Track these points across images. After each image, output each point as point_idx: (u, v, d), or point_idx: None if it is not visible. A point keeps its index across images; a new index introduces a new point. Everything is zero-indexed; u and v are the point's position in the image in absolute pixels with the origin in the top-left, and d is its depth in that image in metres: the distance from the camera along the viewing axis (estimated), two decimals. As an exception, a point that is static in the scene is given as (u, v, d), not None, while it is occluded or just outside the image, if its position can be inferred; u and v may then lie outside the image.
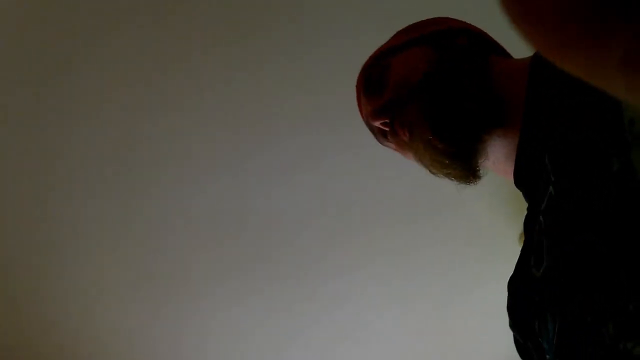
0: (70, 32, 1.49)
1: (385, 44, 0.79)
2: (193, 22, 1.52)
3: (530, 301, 0.57)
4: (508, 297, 0.64)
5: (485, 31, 0.77)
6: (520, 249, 0.62)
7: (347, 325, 2.26)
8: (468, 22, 0.78)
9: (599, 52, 0.18)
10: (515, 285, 0.62)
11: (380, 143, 0.79)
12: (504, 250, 2.00)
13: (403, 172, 1.63)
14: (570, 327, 0.48)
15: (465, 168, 0.66)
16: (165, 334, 2.17)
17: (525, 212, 0.63)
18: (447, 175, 0.69)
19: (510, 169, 0.65)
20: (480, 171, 0.68)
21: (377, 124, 0.73)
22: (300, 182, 1.85)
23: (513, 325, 0.62)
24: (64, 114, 1.63)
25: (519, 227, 2.00)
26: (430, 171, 0.70)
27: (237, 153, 1.77)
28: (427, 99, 0.67)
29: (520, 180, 0.64)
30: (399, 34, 0.79)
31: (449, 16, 0.80)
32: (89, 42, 1.51)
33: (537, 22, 0.20)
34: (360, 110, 0.80)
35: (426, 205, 1.91)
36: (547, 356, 0.54)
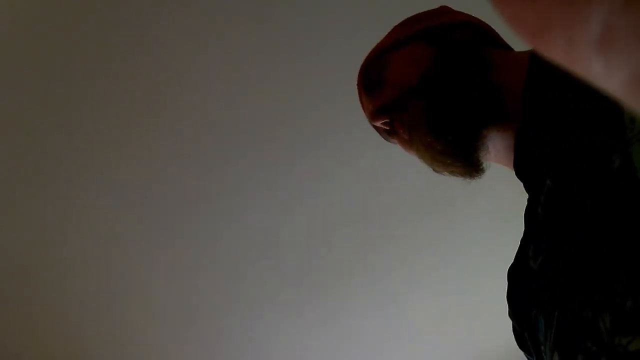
0: (69, 31, 1.49)
1: (383, 39, 0.79)
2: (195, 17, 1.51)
3: (527, 292, 0.58)
4: (508, 285, 0.64)
5: (484, 22, 0.76)
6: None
7: (387, 327, 2.27)
8: (467, 13, 0.77)
9: (577, 31, 0.17)
10: (514, 275, 0.63)
11: (386, 140, 0.80)
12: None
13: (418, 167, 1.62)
14: (568, 322, 0.48)
15: (466, 165, 0.67)
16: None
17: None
18: (451, 172, 0.69)
19: (511, 161, 0.65)
20: (484, 165, 0.68)
21: (378, 123, 0.74)
22: (323, 190, 1.86)
23: (512, 313, 0.63)
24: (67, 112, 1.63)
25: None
26: (433, 169, 0.71)
27: (265, 167, 1.78)
28: (425, 100, 0.67)
29: (520, 171, 0.64)
30: (397, 27, 0.78)
31: (449, 6, 0.79)
32: (90, 39, 1.51)
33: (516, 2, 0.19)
34: (363, 109, 0.80)
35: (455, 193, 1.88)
36: (542, 347, 0.54)
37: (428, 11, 0.78)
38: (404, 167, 1.77)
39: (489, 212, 1.97)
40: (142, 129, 1.66)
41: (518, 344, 0.63)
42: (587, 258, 0.47)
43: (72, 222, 1.82)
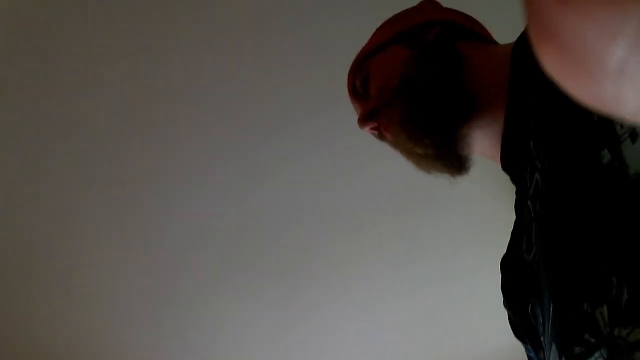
0: (68, 28, 1.49)
1: (368, 41, 0.80)
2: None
3: (522, 283, 0.59)
4: (502, 276, 0.65)
5: (464, 15, 0.76)
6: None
7: (351, 316, 2.28)
8: (447, 8, 0.78)
9: (602, 53, 0.17)
10: (508, 266, 0.64)
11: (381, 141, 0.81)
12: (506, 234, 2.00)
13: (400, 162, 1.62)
14: (564, 315, 0.49)
15: (448, 165, 0.68)
16: (165, 335, 2.19)
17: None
18: (437, 172, 0.70)
19: (497, 155, 0.66)
20: (468, 162, 0.69)
21: (366, 129, 0.75)
22: (296, 175, 1.85)
23: (507, 304, 0.64)
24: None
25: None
26: (419, 169, 0.72)
27: (231, 149, 1.76)
28: (400, 104, 0.68)
29: (507, 164, 0.64)
30: (378, 30, 0.79)
31: (431, 1, 0.80)
32: (87, 35, 1.51)
33: None
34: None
35: (430, 192, 1.90)
36: (542, 337, 0.55)
37: (406, 10, 0.79)
38: (379, 158, 1.78)
39: (464, 211, 1.99)
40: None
41: (514, 334, 0.64)
42: (580, 250, 0.47)
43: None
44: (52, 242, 1.89)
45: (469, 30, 0.73)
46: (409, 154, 0.70)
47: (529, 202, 0.56)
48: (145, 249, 1.95)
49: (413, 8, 0.79)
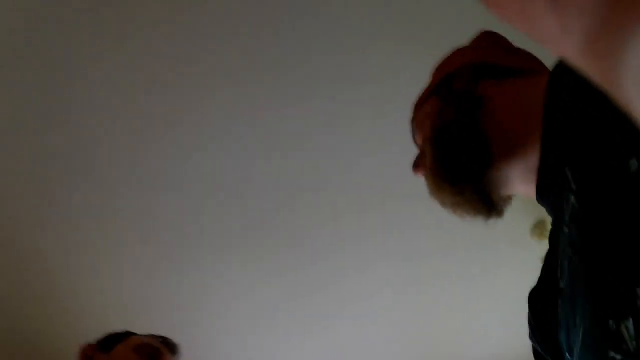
0: (70, 30, 1.50)
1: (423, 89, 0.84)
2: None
3: (554, 313, 0.59)
4: (529, 309, 0.66)
5: (507, 49, 0.78)
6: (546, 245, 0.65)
7: (347, 299, 2.30)
8: (479, 46, 0.80)
9: None
10: (538, 298, 0.65)
11: None
12: (513, 240, 1.97)
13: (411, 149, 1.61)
14: (592, 336, 0.49)
15: (479, 209, 0.70)
16: (163, 297, 2.22)
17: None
18: (469, 216, 0.72)
19: (528, 189, 0.66)
20: (500, 204, 0.71)
21: (418, 175, 0.79)
22: (313, 148, 1.84)
23: (534, 337, 0.65)
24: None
25: (530, 214, 1.98)
26: (456, 216, 0.74)
27: (240, 119, 1.76)
28: (429, 155, 0.72)
29: (543, 195, 0.64)
30: (434, 71, 0.83)
31: (465, 47, 0.82)
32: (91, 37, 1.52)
33: None
34: None
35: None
36: None
37: (453, 52, 0.82)
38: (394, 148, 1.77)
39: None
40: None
41: None
42: (608, 265, 0.47)
43: None
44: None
45: (503, 67, 0.74)
46: (442, 202, 0.72)
47: (565, 228, 0.56)
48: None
49: (459, 50, 0.82)
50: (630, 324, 0.43)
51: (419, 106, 0.81)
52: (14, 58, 1.53)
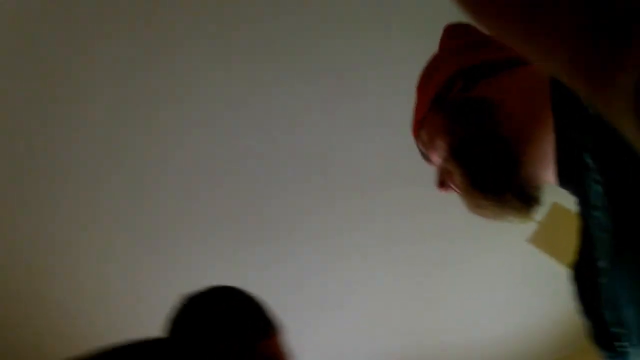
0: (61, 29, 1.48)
1: (414, 106, 0.82)
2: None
3: (598, 291, 0.59)
4: (575, 286, 0.67)
5: (481, 42, 0.77)
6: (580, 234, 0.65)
7: (342, 280, 2.31)
8: (465, 46, 0.78)
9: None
10: (580, 275, 0.66)
11: None
12: (498, 225, 1.99)
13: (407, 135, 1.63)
14: None
15: (516, 209, 0.70)
16: (157, 282, 2.20)
17: None
18: (508, 219, 0.72)
19: (547, 174, 0.67)
20: (539, 196, 0.70)
21: (442, 192, 0.80)
22: (306, 132, 1.83)
23: (584, 313, 0.65)
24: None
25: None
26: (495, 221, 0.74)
27: (233, 100, 1.74)
28: (460, 168, 0.72)
29: (565, 181, 0.65)
30: (417, 91, 0.82)
31: (441, 52, 0.81)
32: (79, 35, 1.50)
33: None
34: None
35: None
36: (626, 343, 0.56)
37: (427, 68, 0.81)
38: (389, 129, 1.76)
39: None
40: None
41: (597, 343, 0.64)
42: None
43: None
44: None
45: (491, 63, 0.74)
46: (482, 211, 0.72)
47: (594, 213, 0.57)
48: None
49: (438, 59, 0.80)
50: None
51: (419, 124, 0.80)
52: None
